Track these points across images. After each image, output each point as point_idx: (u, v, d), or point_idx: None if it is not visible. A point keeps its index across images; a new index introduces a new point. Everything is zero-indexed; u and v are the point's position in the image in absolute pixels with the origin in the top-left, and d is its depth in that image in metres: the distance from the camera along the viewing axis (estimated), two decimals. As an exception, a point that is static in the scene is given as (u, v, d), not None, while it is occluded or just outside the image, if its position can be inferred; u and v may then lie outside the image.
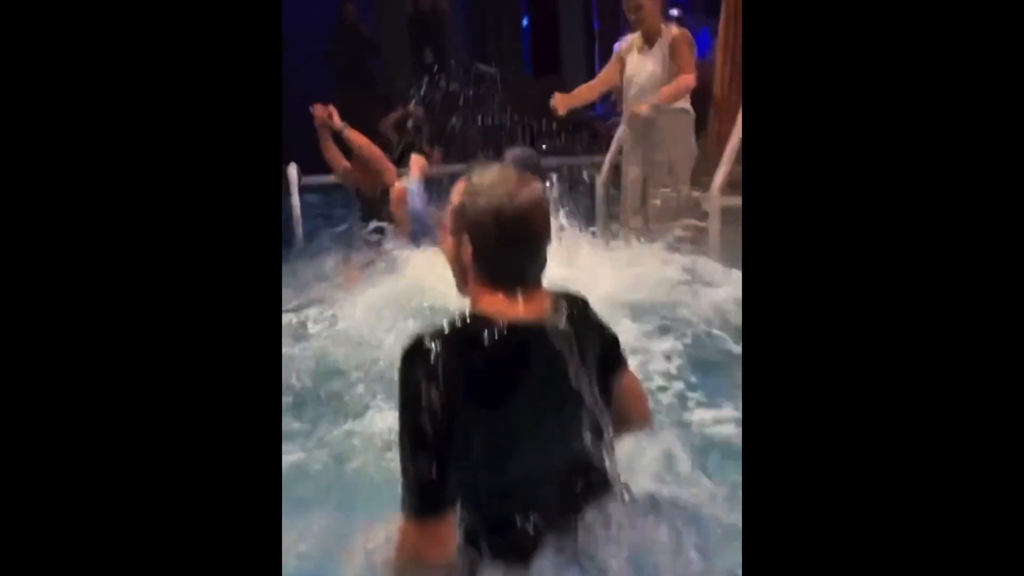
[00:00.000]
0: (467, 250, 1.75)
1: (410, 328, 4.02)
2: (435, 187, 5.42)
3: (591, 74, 12.76)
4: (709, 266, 4.80)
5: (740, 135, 5.17)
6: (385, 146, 8.69)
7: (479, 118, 9.87)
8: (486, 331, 1.70)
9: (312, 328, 4.16)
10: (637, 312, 4.13)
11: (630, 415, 2.06)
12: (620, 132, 5.96)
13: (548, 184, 4.61)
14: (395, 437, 1.72)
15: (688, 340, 3.84)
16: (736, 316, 3.72)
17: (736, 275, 4.22)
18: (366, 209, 5.27)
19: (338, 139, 5.06)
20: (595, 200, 6.01)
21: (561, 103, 5.36)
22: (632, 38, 5.49)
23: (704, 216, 5.26)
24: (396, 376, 1.70)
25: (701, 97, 5.89)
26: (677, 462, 2.35)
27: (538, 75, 12.39)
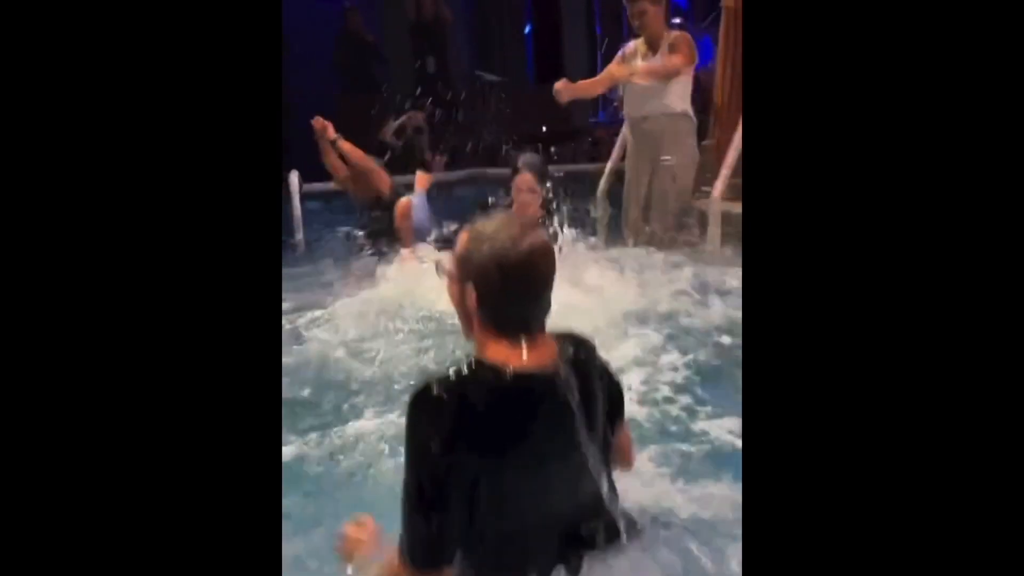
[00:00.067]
0: (472, 298, 1.76)
1: (403, 332, 4.05)
2: (435, 192, 5.44)
3: (606, 90, 12.80)
4: (713, 272, 4.81)
5: (740, 142, 5.18)
6: (384, 152, 8.72)
7: (481, 125, 9.90)
8: (492, 381, 1.71)
9: (306, 332, 4.17)
10: (642, 321, 4.14)
11: (618, 463, 2.07)
12: (621, 138, 5.96)
13: (549, 185, 4.63)
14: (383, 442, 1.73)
15: (695, 349, 3.85)
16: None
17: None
18: (364, 216, 5.33)
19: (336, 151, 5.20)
20: (596, 207, 6.00)
21: (564, 91, 5.38)
22: (635, 44, 5.49)
23: (704, 222, 5.27)
24: (397, 404, 1.71)
25: (702, 105, 5.90)
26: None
27: (541, 82, 12.39)
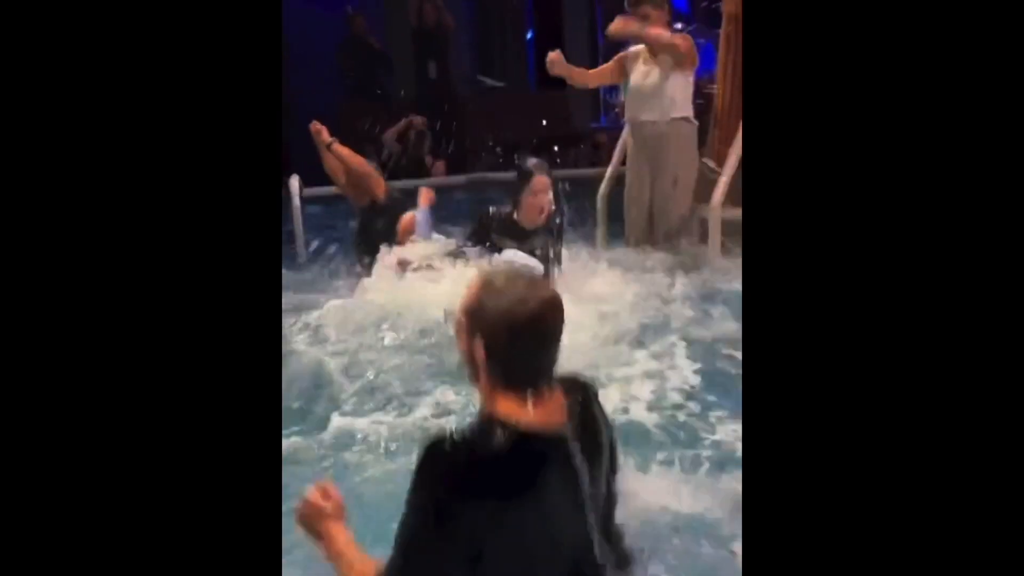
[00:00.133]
0: (480, 352, 1.76)
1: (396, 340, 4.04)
2: (438, 197, 5.43)
3: (596, 88, 12.81)
4: (714, 278, 4.81)
5: (740, 149, 5.17)
6: (384, 156, 8.72)
7: (482, 130, 9.90)
8: (500, 440, 1.71)
9: (300, 337, 4.18)
10: (644, 330, 4.14)
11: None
12: (622, 143, 5.95)
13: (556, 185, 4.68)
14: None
15: (701, 358, 3.86)
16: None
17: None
18: (361, 221, 5.34)
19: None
20: (596, 212, 6.00)
21: (557, 64, 5.40)
22: (637, 49, 5.49)
23: (705, 228, 5.27)
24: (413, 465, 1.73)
25: (703, 111, 5.90)
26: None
27: (542, 88, 12.40)
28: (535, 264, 4.36)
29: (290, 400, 3.52)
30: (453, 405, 3.40)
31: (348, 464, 3.09)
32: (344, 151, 5.18)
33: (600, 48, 12.47)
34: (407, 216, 5.08)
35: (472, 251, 4.48)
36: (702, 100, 6.16)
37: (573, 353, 3.67)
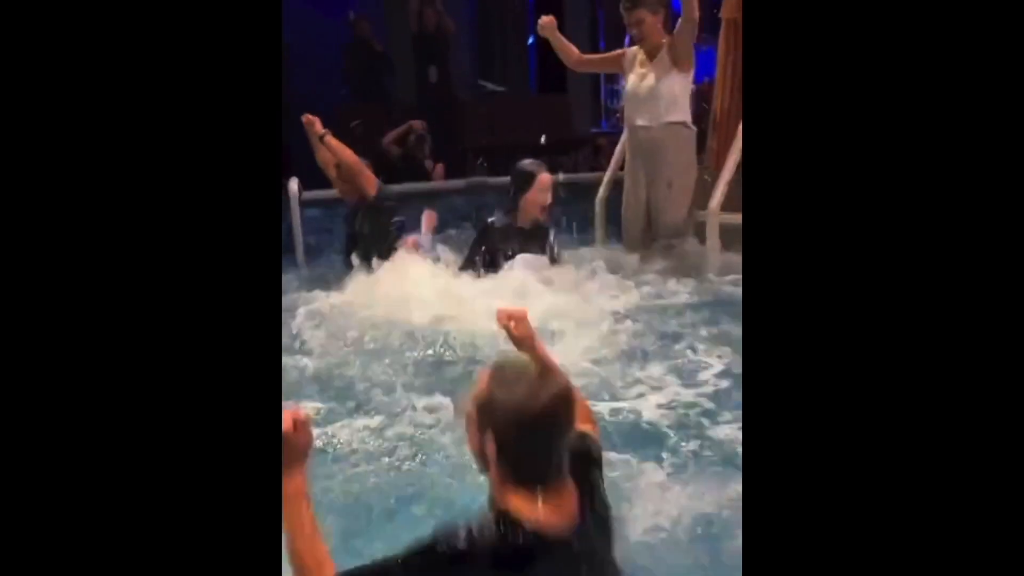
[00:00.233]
0: (491, 447, 1.75)
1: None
2: (438, 201, 5.44)
3: (596, 92, 12.82)
4: (713, 283, 4.82)
5: (738, 154, 5.18)
6: (384, 160, 8.71)
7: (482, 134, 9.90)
8: (508, 541, 1.71)
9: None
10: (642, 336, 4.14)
11: None
12: (621, 147, 5.95)
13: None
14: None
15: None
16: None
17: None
18: (350, 217, 5.33)
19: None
20: (595, 217, 6.00)
21: (547, 28, 5.42)
22: (634, 51, 5.49)
23: (703, 232, 5.27)
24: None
25: (701, 117, 5.90)
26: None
27: (543, 93, 12.41)
28: (545, 261, 4.70)
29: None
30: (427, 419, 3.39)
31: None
32: (336, 144, 5.14)
33: (601, 51, 12.49)
34: (410, 239, 5.07)
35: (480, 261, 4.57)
36: (706, 104, 6.18)
37: (575, 354, 3.71)
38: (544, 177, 4.77)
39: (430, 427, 3.24)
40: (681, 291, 4.78)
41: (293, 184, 6.61)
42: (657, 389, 3.62)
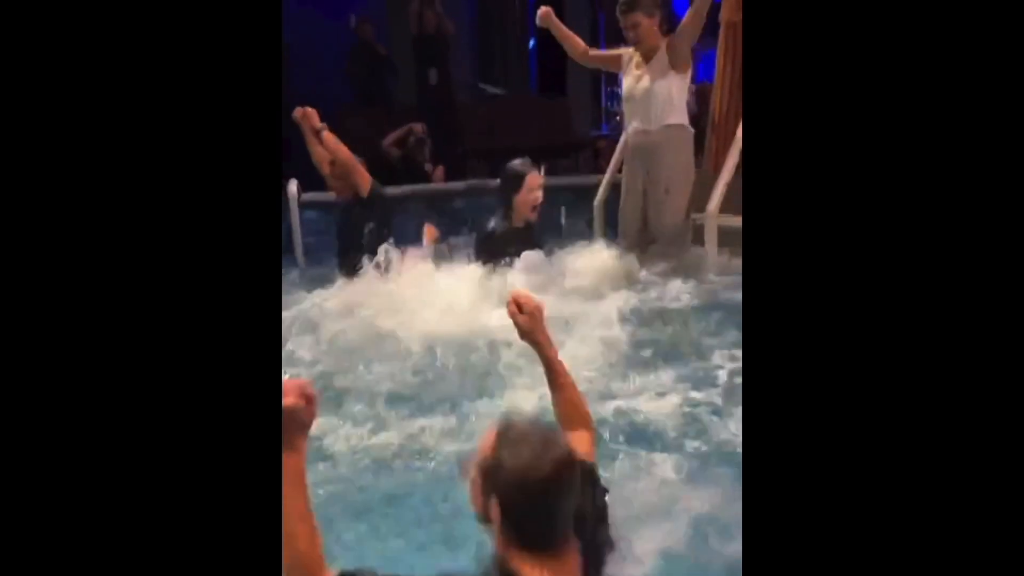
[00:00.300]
0: (496, 512, 1.75)
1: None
2: (437, 203, 5.43)
3: (597, 95, 12.82)
4: (712, 287, 4.81)
5: (737, 157, 5.17)
6: (384, 161, 8.69)
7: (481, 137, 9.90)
8: None
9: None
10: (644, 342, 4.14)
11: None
12: (620, 149, 5.94)
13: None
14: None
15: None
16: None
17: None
18: (343, 215, 5.31)
19: (320, 142, 5.14)
20: (593, 220, 6.00)
21: (548, 18, 5.43)
22: (630, 52, 5.48)
23: (701, 235, 5.26)
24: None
25: (698, 122, 5.90)
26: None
27: (544, 96, 12.42)
28: (545, 257, 4.78)
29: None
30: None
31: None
32: (333, 140, 5.07)
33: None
34: (411, 251, 4.99)
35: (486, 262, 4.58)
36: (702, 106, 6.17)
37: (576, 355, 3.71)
38: (533, 176, 4.82)
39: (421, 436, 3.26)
40: (682, 293, 4.77)
41: (292, 186, 6.61)
42: (658, 390, 3.62)
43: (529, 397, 3.25)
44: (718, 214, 5.15)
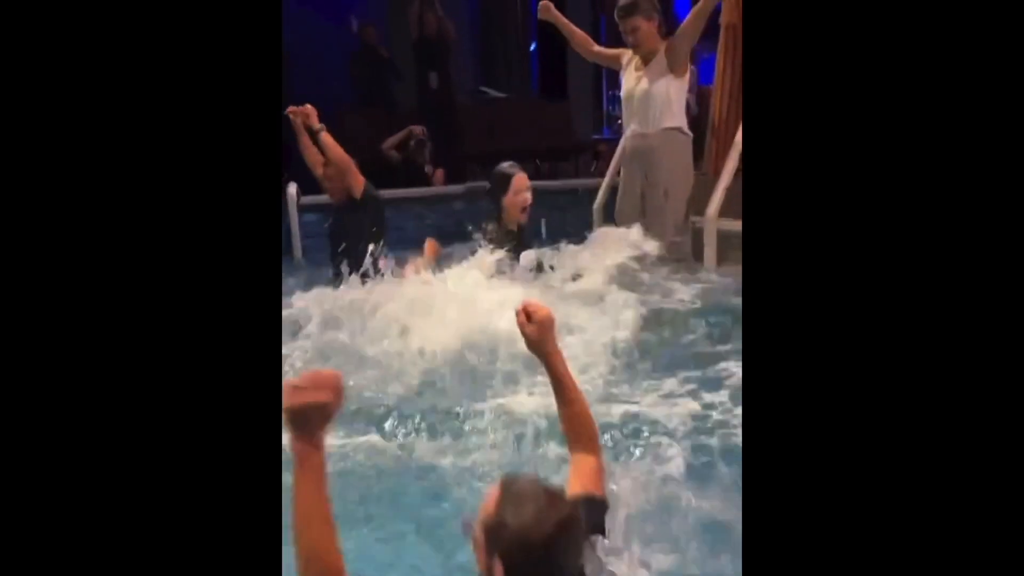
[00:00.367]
0: (499, 570, 1.72)
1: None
2: (436, 205, 5.43)
3: (598, 99, 12.83)
4: (712, 291, 4.81)
5: (737, 160, 5.17)
6: (384, 164, 8.69)
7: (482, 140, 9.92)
8: None
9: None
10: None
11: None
12: (619, 153, 5.94)
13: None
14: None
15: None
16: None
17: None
18: (335, 216, 5.29)
19: (316, 142, 5.09)
20: (593, 224, 6.00)
21: (548, 10, 5.45)
22: (628, 55, 5.48)
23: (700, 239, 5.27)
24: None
25: (699, 124, 5.90)
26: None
27: (545, 99, 12.43)
28: (544, 253, 4.83)
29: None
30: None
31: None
32: (330, 141, 5.00)
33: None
34: (410, 266, 4.91)
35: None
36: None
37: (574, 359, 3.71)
38: (519, 178, 4.86)
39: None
40: (679, 295, 4.76)
41: (291, 188, 6.62)
42: (660, 391, 3.62)
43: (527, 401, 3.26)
44: (718, 218, 5.15)
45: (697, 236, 5.37)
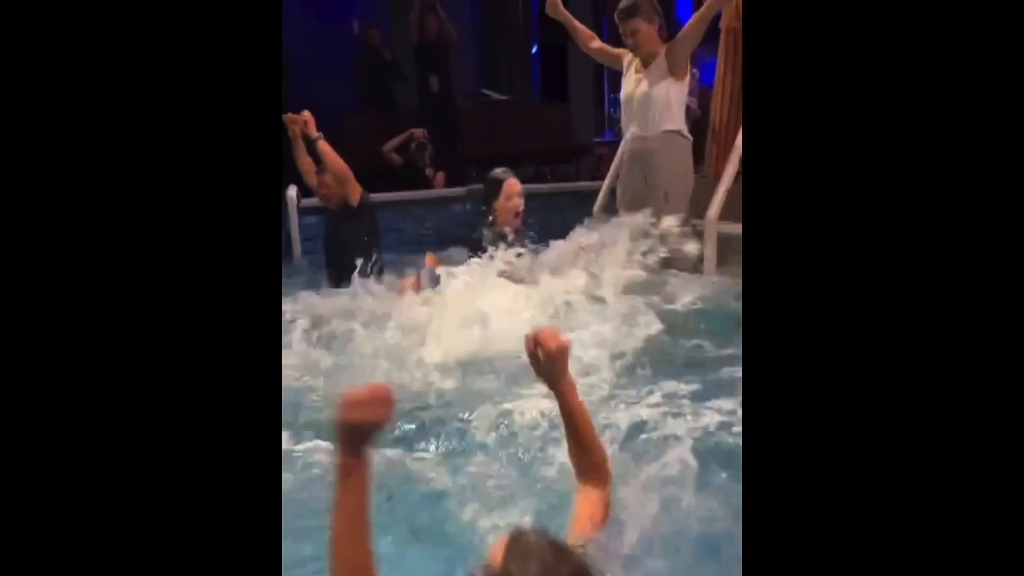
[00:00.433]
0: None
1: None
2: (437, 208, 5.43)
3: (600, 101, 12.82)
4: (712, 294, 4.80)
5: (737, 163, 5.17)
6: (385, 167, 8.70)
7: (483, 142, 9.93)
8: None
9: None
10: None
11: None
12: (618, 155, 5.94)
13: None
14: None
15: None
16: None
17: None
18: (331, 224, 5.29)
19: (312, 149, 5.07)
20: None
21: (555, 7, 5.45)
22: (629, 57, 5.48)
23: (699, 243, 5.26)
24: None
25: (699, 127, 5.90)
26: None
27: (546, 102, 12.44)
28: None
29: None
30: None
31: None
32: (328, 149, 4.96)
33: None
34: (409, 281, 4.92)
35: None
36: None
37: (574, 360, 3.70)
38: (511, 183, 4.90)
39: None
40: (678, 297, 4.76)
41: (291, 191, 6.62)
42: (659, 394, 3.62)
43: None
44: (718, 221, 5.15)
45: (697, 238, 5.37)
